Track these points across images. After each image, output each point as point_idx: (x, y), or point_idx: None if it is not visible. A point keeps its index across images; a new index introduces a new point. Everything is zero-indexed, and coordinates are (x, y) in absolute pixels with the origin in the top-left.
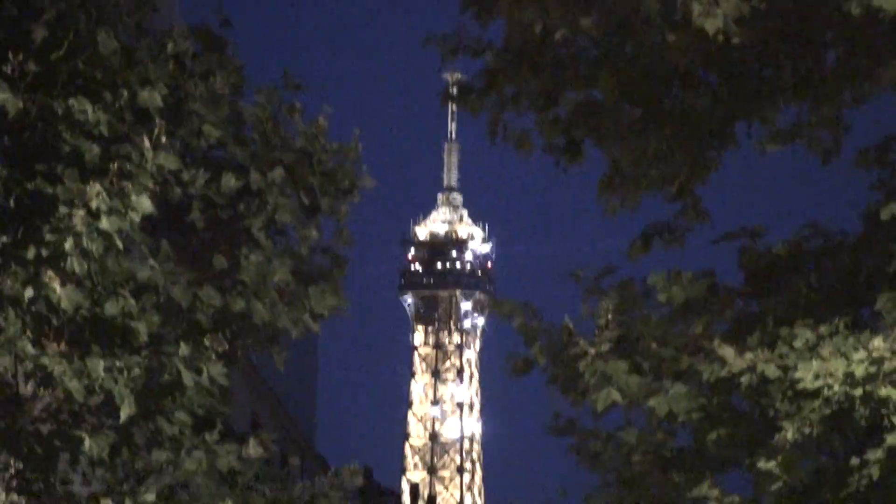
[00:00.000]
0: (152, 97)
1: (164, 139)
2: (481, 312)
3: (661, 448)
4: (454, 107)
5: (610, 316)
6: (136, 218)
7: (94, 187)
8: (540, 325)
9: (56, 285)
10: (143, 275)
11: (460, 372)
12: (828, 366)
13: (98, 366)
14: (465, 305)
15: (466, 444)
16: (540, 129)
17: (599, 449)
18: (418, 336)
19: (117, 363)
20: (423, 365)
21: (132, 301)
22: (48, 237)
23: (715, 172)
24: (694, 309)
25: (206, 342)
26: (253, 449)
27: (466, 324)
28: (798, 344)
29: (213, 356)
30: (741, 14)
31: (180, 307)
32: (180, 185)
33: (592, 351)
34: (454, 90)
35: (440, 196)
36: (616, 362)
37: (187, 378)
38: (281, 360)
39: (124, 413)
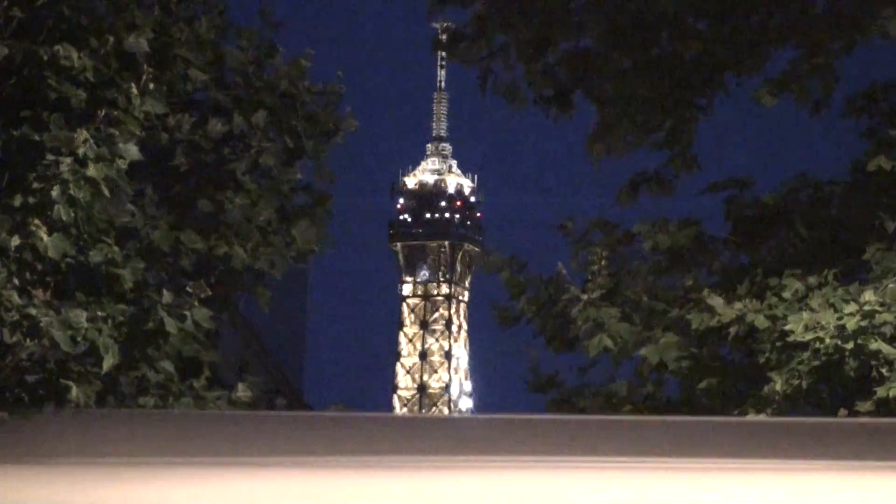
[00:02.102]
0: (138, 43)
1: (150, 84)
2: (470, 263)
3: (650, 399)
4: (443, 56)
5: (603, 262)
6: (123, 165)
7: (81, 134)
8: (527, 278)
9: (43, 233)
10: (123, 220)
11: (449, 323)
12: (818, 317)
13: (81, 316)
14: (455, 255)
15: (454, 396)
16: (529, 80)
17: (585, 404)
18: (407, 287)
19: (100, 313)
20: (412, 316)
21: (116, 248)
22: (35, 185)
23: (704, 122)
24: (682, 259)
25: (189, 288)
26: (242, 392)
27: (455, 274)
28: (787, 294)
29: (197, 302)
30: None
31: (163, 252)
32: (166, 130)
33: (585, 297)
34: (444, 38)
35: (429, 146)
36: (608, 308)
37: (170, 325)
38: (265, 300)
39: (107, 363)
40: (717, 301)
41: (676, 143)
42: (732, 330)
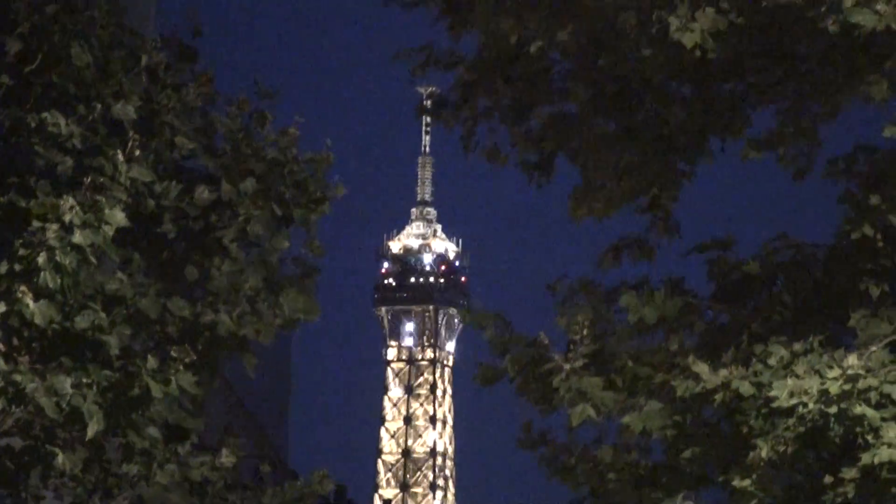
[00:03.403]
0: (126, 110)
1: (137, 152)
2: (455, 328)
3: (635, 465)
4: (428, 120)
5: (585, 331)
6: (110, 232)
7: (68, 201)
8: (512, 336)
9: (29, 300)
10: (112, 287)
11: (433, 387)
12: (802, 384)
13: (66, 382)
14: (439, 320)
15: (439, 461)
16: (513, 142)
17: (572, 464)
18: (391, 351)
19: (85, 379)
20: (397, 380)
21: (102, 314)
22: (21, 251)
23: (687, 185)
24: (665, 322)
25: (174, 353)
26: (225, 458)
27: (440, 339)
28: (772, 361)
29: (182, 367)
30: (718, 29)
31: (150, 319)
32: (153, 197)
33: (567, 367)
34: (428, 103)
35: (414, 210)
36: (591, 378)
37: (155, 390)
38: (251, 365)
39: (92, 430)
40: (702, 368)
41: (659, 208)
42: (718, 397)
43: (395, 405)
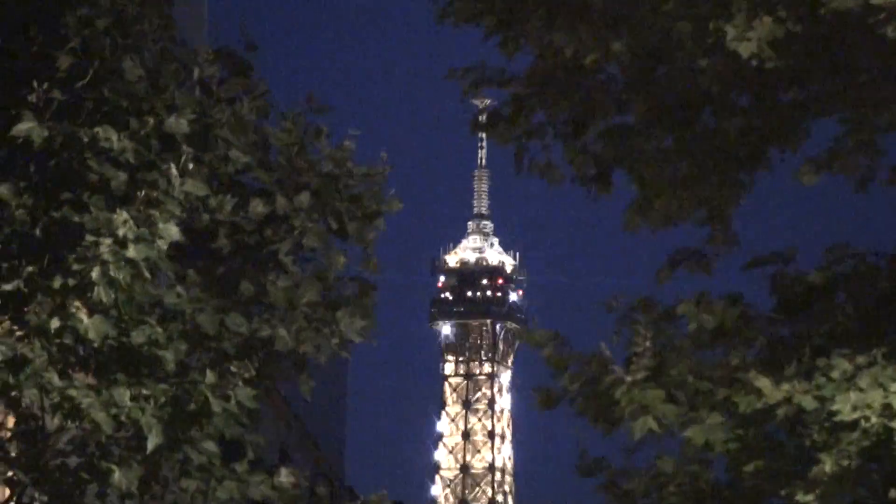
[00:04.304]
0: (178, 124)
1: (190, 166)
2: (513, 342)
3: (696, 479)
4: (483, 134)
5: (648, 342)
6: (164, 246)
7: (121, 215)
8: (570, 355)
9: (83, 315)
10: (170, 302)
11: (491, 402)
12: (865, 397)
13: (125, 395)
14: (497, 334)
15: (498, 476)
16: (568, 158)
17: (633, 486)
18: (449, 366)
19: (144, 392)
20: (454, 395)
21: (159, 329)
22: (75, 266)
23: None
24: (725, 336)
25: (233, 368)
26: (285, 477)
27: (497, 353)
28: (835, 375)
29: (240, 382)
30: (776, 37)
31: (207, 335)
32: (207, 211)
33: (629, 378)
34: (483, 118)
35: (470, 223)
36: (653, 390)
37: (215, 405)
38: (308, 387)
39: (152, 443)
40: (764, 383)
41: (718, 220)
42: (780, 411)
43: (452, 420)
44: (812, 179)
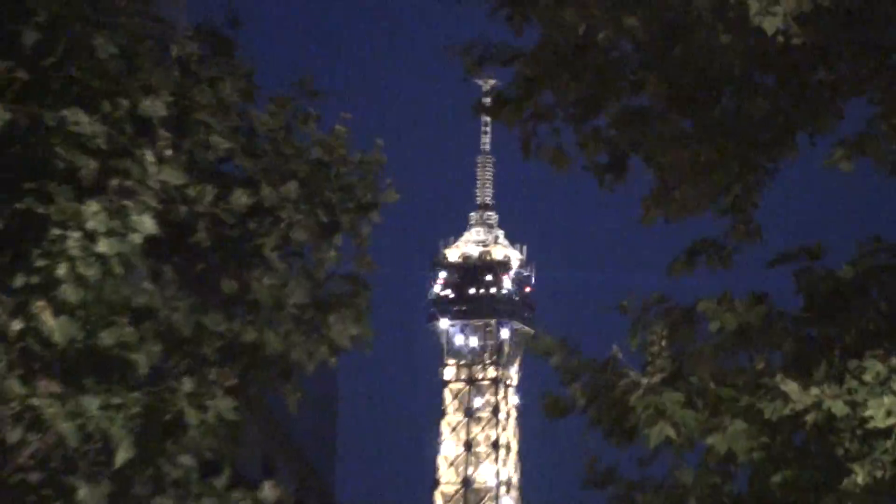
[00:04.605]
0: (155, 106)
1: (168, 152)
2: (519, 343)
3: (718, 491)
4: (488, 117)
5: (664, 342)
6: (138, 240)
7: (91, 206)
8: (580, 363)
9: (48, 316)
10: (144, 301)
11: (496, 410)
12: None
13: (92, 404)
14: (502, 335)
15: (503, 491)
16: (580, 143)
17: (649, 499)
18: (449, 370)
19: (114, 400)
20: (455, 402)
21: (130, 329)
22: (39, 262)
23: (772, 186)
24: (749, 338)
25: (212, 376)
26: (268, 493)
27: (503, 356)
28: (868, 378)
29: (220, 391)
30: (803, 11)
31: (184, 338)
32: (185, 202)
33: (644, 382)
34: (487, 100)
35: (473, 215)
36: (670, 393)
37: (191, 416)
38: (294, 399)
39: (121, 457)
40: (791, 387)
41: (740, 210)
42: (809, 418)
43: (453, 430)
44: (847, 166)
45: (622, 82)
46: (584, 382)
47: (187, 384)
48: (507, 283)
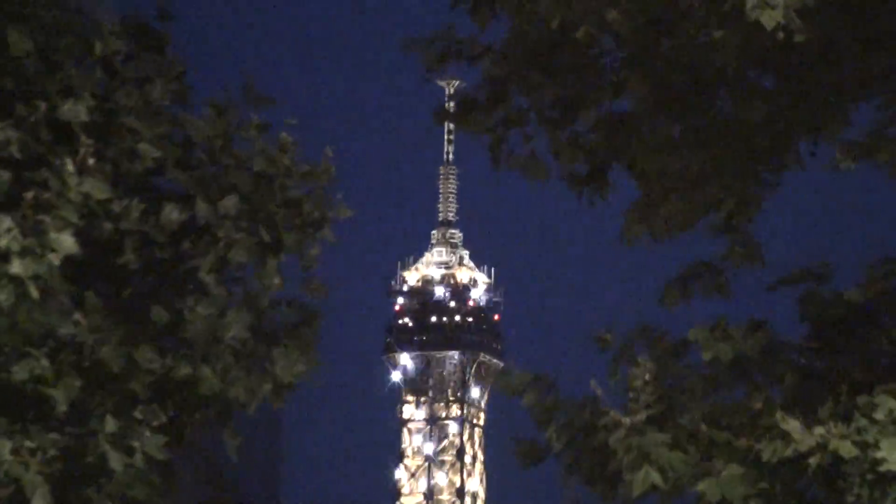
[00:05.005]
0: (76, 110)
1: (90, 161)
2: (487, 378)
3: None
4: (451, 124)
5: (648, 376)
6: (56, 261)
7: (3, 222)
8: (557, 402)
9: None
10: (65, 332)
11: (461, 453)
12: None
13: (3, 447)
14: (468, 369)
15: None
16: (555, 151)
17: None
18: (408, 408)
19: (27, 443)
20: (415, 444)
21: (45, 362)
22: None
23: (770, 200)
24: (746, 371)
25: (139, 414)
26: None
27: (468, 392)
28: (879, 416)
29: (148, 431)
30: (805, 5)
31: (109, 372)
32: (110, 218)
33: (626, 421)
34: (451, 104)
35: (435, 233)
36: (656, 434)
37: (115, 459)
38: (234, 444)
39: None
40: (793, 425)
41: (736, 229)
42: (813, 460)
43: (413, 475)
44: (849, 165)
45: (603, 82)
46: (560, 423)
47: (110, 423)
48: (472, 311)
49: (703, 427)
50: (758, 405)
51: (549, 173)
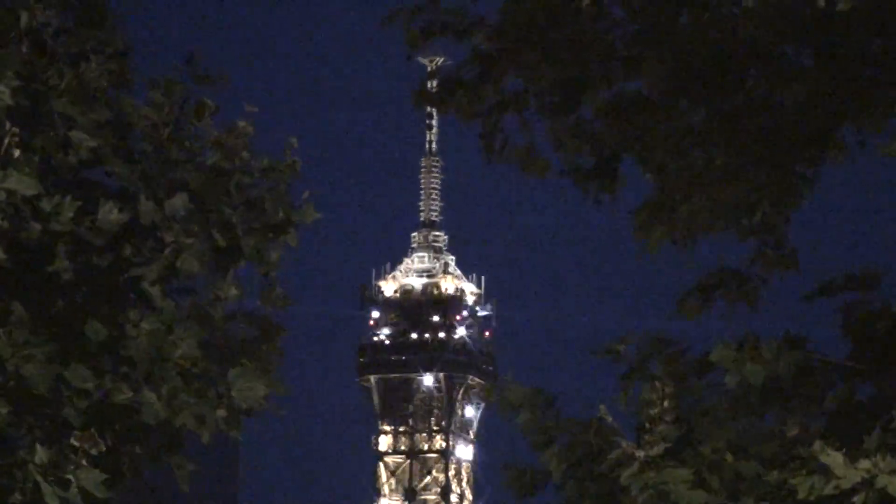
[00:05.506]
0: None
1: (15, 152)
2: (476, 404)
3: None
4: (434, 109)
5: (666, 404)
6: None
7: None
8: (558, 422)
9: None
10: None
11: (446, 491)
12: None
13: None
14: (454, 394)
15: None
16: (556, 142)
17: None
18: (385, 439)
19: None
20: (393, 481)
21: None
22: None
23: (811, 198)
24: (779, 394)
25: (75, 440)
26: None
27: (455, 421)
28: None
29: (85, 461)
30: None
31: (38, 395)
32: (39, 218)
33: (641, 454)
34: (433, 85)
35: (416, 235)
36: (674, 471)
37: (48, 494)
38: (185, 473)
39: None
40: (834, 459)
41: (768, 231)
42: (858, 499)
43: None
44: None
45: (612, 61)
46: (561, 447)
47: (41, 453)
48: (459, 326)
49: (729, 457)
50: (793, 433)
51: (550, 167)
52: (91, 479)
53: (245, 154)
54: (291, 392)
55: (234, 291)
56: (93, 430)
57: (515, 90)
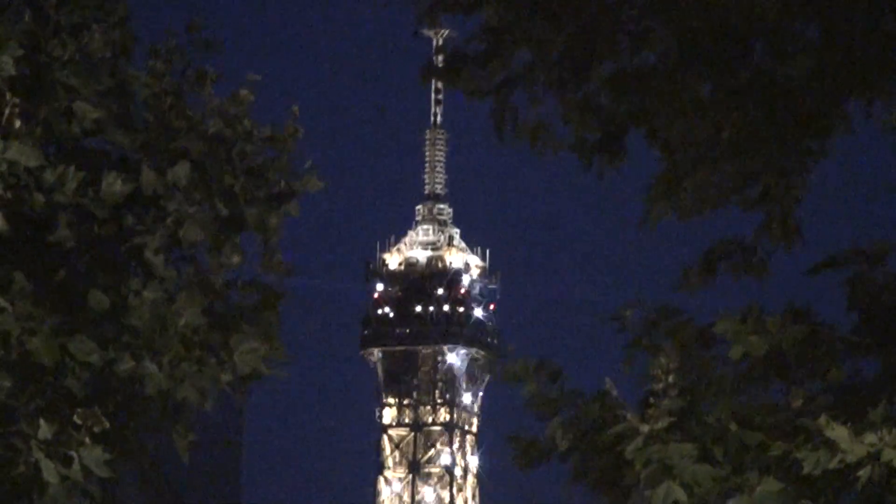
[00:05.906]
0: (1, 63)
1: (18, 123)
2: (480, 377)
3: None
4: (440, 83)
5: (671, 378)
6: None
7: None
8: (562, 394)
9: None
10: None
11: (450, 465)
12: None
13: None
14: (458, 367)
15: None
16: (566, 116)
17: None
18: (389, 412)
19: None
20: (397, 454)
21: None
22: None
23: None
24: (783, 367)
25: (78, 418)
26: None
27: (459, 394)
28: None
29: (88, 438)
30: None
31: (41, 367)
32: (42, 189)
33: (645, 428)
34: (440, 59)
35: (420, 208)
36: (679, 445)
37: (50, 470)
38: (185, 445)
39: None
40: (840, 433)
41: (775, 203)
42: (863, 473)
43: (394, 489)
44: None
45: (620, 33)
46: (566, 419)
47: (44, 429)
48: (463, 299)
49: (733, 427)
50: (797, 405)
51: (562, 144)
52: (94, 457)
53: (247, 122)
54: (293, 359)
55: (235, 259)
56: (95, 407)
57: (523, 63)
